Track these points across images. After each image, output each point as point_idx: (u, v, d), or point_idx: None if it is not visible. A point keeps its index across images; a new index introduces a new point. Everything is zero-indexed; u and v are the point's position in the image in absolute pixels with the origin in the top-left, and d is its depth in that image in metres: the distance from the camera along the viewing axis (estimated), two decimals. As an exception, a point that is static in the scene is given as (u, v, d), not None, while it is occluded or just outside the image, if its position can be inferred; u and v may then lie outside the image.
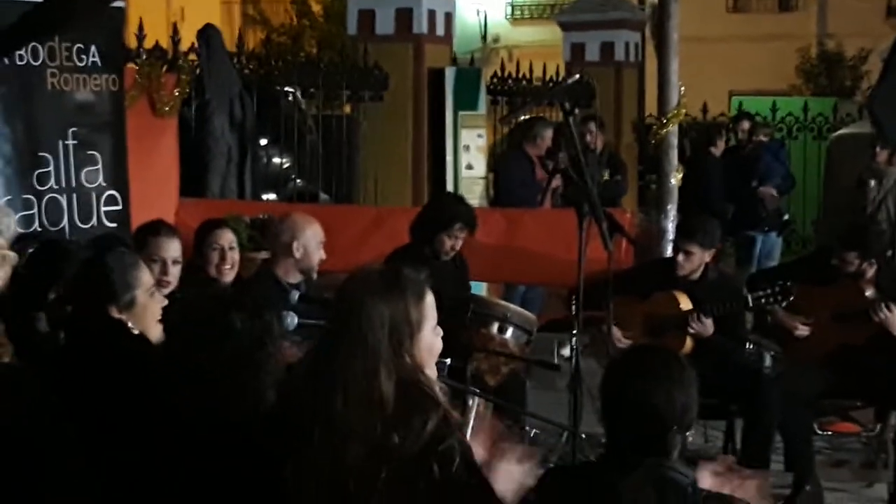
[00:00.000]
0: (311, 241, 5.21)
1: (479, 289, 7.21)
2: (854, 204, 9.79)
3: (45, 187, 5.35)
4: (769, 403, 5.56)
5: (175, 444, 2.71)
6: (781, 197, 10.41)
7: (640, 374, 2.88)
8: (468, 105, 9.18)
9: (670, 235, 7.69)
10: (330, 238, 5.40)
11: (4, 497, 2.72)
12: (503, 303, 5.89)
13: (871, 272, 5.80)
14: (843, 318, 5.81)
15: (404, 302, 2.74)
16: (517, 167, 8.79)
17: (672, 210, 8.25)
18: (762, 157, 10.24)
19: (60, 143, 5.43)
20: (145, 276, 3.37)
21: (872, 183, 9.71)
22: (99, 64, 5.58)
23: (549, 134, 8.90)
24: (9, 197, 5.19)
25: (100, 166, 5.60)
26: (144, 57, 6.56)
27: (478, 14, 25.18)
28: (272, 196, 9.15)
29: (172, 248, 4.83)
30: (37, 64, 5.31)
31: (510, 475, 2.92)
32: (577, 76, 7.30)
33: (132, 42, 6.64)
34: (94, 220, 5.55)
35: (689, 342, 5.68)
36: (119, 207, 5.67)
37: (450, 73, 9.05)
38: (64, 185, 5.43)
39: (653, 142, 8.55)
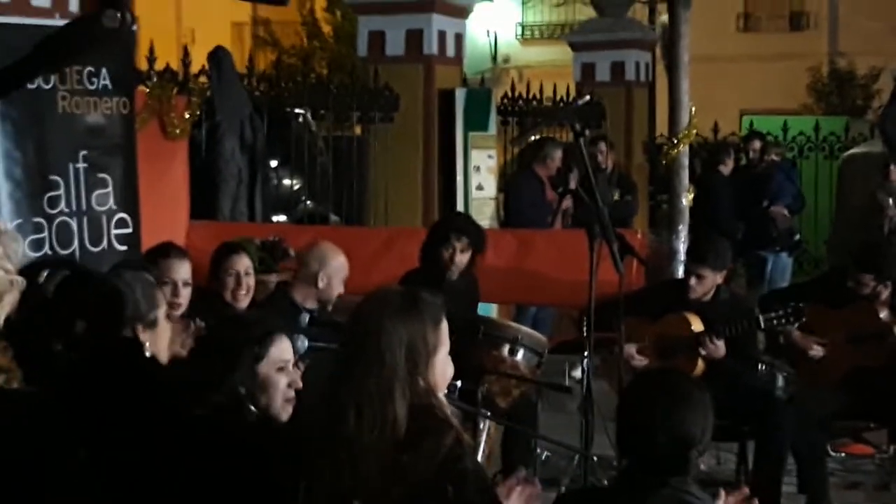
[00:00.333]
0: (336, 274, 5.27)
1: (490, 310, 7.20)
2: (866, 223, 9.77)
3: (56, 210, 5.34)
4: (782, 425, 5.53)
5: (176, 463, 2.72)
6: (792, 217, 10.39)
7: (661, 396, 2.91)
8: (479, 126, 9.19)
9: (681, 256, 7.68)
10: (339, 259, 5.42)
11: None
12: (514, 325, 5.88)
13: (885, 294, 5.78)
14: (857, 339, 5.79)
15: (423, 325, 2.76)
16: (527, 188, 8.79)
17: (683, 231, 8.24)
18: (773, 176, 10.23)
19: (71, 166, 5.43)
20: (161, 297, 3.39)
21: (891, 202, 9.69)
22: (110, 87, 5.59)
23: (558, 154, 8.91)
24: (19, 220, 5.19)
25: (110, 189, 5.59)
26: (155, 79, 6.58)
27: (488, 35, 25.22)
28: (282, 218, 9.16)
29: (183, 270, 4.84)
30: (48, 87, 5.31)
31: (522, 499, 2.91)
32: (588, 97, 7.30)
33: (143, 65, 6.66)
34: (105, 244, 5.54)
35: (700, 364, 5.65)
36: (130, 230, 5.66)
37: (460, 94, 9.07)
38: (74, 208, 5.42)
39: (664, 162, 8.56)
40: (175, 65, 6.97)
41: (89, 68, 5.46)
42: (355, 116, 8.74)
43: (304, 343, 4.21)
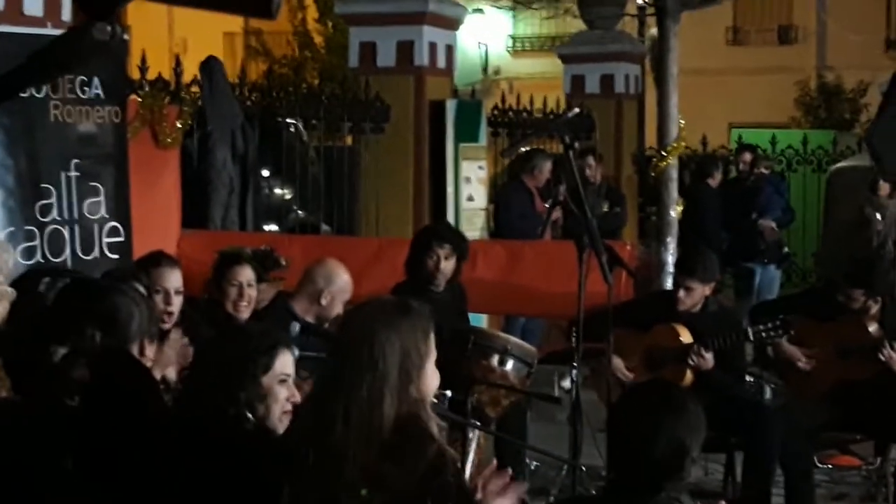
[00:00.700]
0: (340, 294, 5.30)
1: (480, 321, 7.22)
2: (854, 237, 9.82)
3: (48, 219, 5.35)
4: (770, 436, 5.55)
5: (170, 469, 2.74)
6: (781, 230, 10.44)
7: (660, 404, 2.96)
8: (469, 137, 9.21)
9: (670, 268, 7.72)
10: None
11: None
12: (503, 335, 5.90)
13: (875, 308, 5.82)
14: (847, 353, 5.82)
15: (415, 334, 2.79)
16: (516, 199, 8.82)
17: (672, 243, 8.28)
18: (763, 189, 10.28)
19: (63, 174, 5.44)
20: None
21: (877, 216, 9.74)
22: (102, 96, 5.60)
23: (546, 165, 8.94)
24: (11, 228, 5.20)
25: (102, 198, 5.60)
26: (147, 89, 6.59)
27: (479, 46, 25.29)
28: (274, 227, 9.17)
29: (174, 279, 4.86)
30: (40, 96, 5.33)
31: None
32: (578, 109, 7.33)
33: (135, 74, 6.67)
34: (97, 252, 5.55)
35: (688, 375, 5.68)
36: (121, 239, 5.67)
37: (451, 105, 9.09)
38: (66, 216, 5.43)
39: (653, 174, 8.60)
40: (167, 74, 6.98)
41: (81, 77, 5.47)
42: (346, 127, 8.75)
43: (294, 352, 4.22)
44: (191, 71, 7.24)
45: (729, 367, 5.73)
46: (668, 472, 2.89)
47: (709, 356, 5.64)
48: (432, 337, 2.84)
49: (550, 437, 6.23)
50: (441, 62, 9.20)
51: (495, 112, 10.06)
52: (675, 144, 8.37)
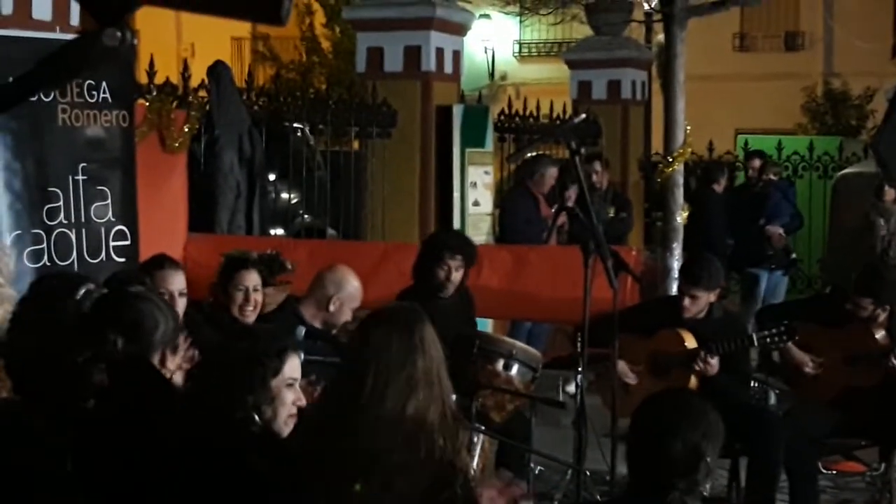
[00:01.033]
0: (349, 301, 5.31)
1: (485, 325, 7.23)
2: (860, 243, 9.81)
3: (55, 222, 5.38)
4: (774, 442, 5.56)
5: (173, 468, 2.76)
6: (789, 236, 10.43)
7: (685, 409, 3.09)
8: (476, 142, 9.23)
9: (675, 273, 7.72)
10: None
11: None
12: (509, 340, 5.91)
13: (883, 316, 5.81)
14: (855, 360, 5.82)
15: (436, 342, 2.84)
16: (522, 205, 8.83)
17: (677, 248, 8.28)
18: (771, 195, 10.27)
19: (70, 178, 5.46)
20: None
21: (881, 222, 9.74)
22: (110, 100, 5.63)
23: (551, 171, 8.96)
24: (18, 231, 5.23)
25: (109, 201, 5.63)
26: (155, 93, 6.61)
27: (486, 52, 25.31)
28: (280, 231, 9.19)
29: (178, 281, 4.89)
30: (48, 100, 5.35)
31: None
32: (584, 115, 7.33)
33: (143, 78, 6.69)
34: (103, 255, 5.57)
35: (693, 380, 5.69)
36: (128, 242, 5.70)
37: (457, 111, 9.11)
38: (73, 220, 5.45)
39: (659, 180, 8.61)
40: (175, 79, 7.00)
41: (89, 81, 5.50)
42: (353, 131, 8.77)
43: (300, 356, 4.24)
44: (198, 75, 7.26)
45: (733, 371, 5.74)
46: (681, 471, 2.98)
47: (714, 362, 5.64)
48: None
49: (555, 442, 6.24)
50: (448, 67, 9.22)
51: (502, 117, 10.08)
52: (681, 150, 8.38)
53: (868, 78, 20.17)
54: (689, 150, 8.71)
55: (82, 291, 3.21)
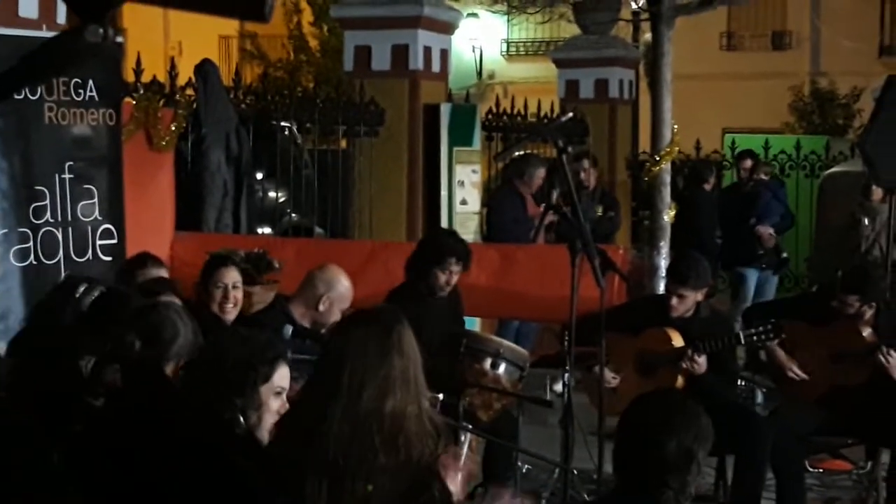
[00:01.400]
0: (339, 302, 5.29)
1: (473, 324, 7.23)
2: (846, 241, 9.83)
3: (41, 221, 5.36)
4: (761, 440, 5.57)
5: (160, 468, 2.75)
6: (779, 236, 10.45)
7: (676, 408, 3.10)
8: (463, 141, 9.23)
9: (662, 272, 7.74)
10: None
11: None
12: (496, 338, 5.91)
13: (869, 314, 5.83)
14: (841, 358, 5.83)
15: (413, 342, 2.84)
16: (509, 204, 8.84)
17: (665, 247, 8.31)
18: (762, 195, 10.29)
19: (57, 176, 5.45)
20: None
21: (866, 221, 9.77)
22: (96, 98, 5.61)
23: (538, 172, 8.97)
24: (4, 230, 5.21)
25: (96, 200, 5.62)
26: (142, 91, 6.59)
27: (473, 50, 25.32)
28: (267, 230, 9.18)
29: (161, 278, 4.88)
30: (34, 98, 5.34)
31: None
32: (571, 114, 7.33)
33: (130, 76, 6.67)
34: (90, 254, 5.56)
35: (680, 379, 5.70)
36: (115, 241, 5.68)
37: (445, 109, 9.11)
38: (60, 218, 5.44)
39: (646, 179, 8.63)
40: (162, 77, 6.98)
41: (76, 80, 5.48)
42: (341, 130, 8.77)
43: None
44: (185, 74, 7.24)
45: (720, 370, 5.75)
46: (673, 471, 2.99)
47: (702, 360, 5.65)
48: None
49: (542, 441, 6.25)
50: (436, 66, 9.22)
51: (489, 116, 10.08)
52: (668, 149, 8.40)
53: (855, 77, 20.23)
54: (677, 148, 8.73)
55: (81, 290, 3.23)
